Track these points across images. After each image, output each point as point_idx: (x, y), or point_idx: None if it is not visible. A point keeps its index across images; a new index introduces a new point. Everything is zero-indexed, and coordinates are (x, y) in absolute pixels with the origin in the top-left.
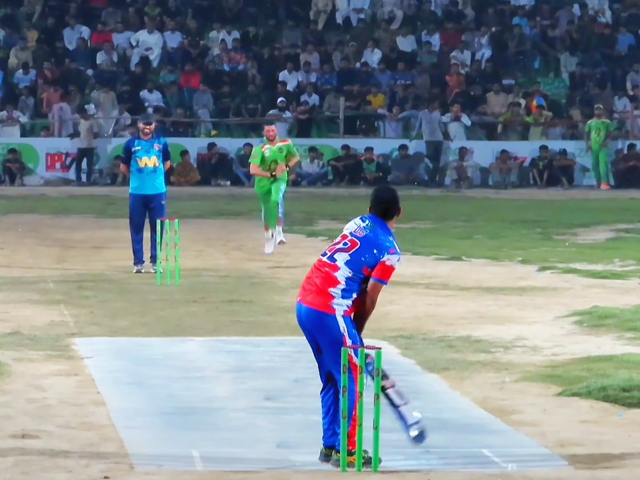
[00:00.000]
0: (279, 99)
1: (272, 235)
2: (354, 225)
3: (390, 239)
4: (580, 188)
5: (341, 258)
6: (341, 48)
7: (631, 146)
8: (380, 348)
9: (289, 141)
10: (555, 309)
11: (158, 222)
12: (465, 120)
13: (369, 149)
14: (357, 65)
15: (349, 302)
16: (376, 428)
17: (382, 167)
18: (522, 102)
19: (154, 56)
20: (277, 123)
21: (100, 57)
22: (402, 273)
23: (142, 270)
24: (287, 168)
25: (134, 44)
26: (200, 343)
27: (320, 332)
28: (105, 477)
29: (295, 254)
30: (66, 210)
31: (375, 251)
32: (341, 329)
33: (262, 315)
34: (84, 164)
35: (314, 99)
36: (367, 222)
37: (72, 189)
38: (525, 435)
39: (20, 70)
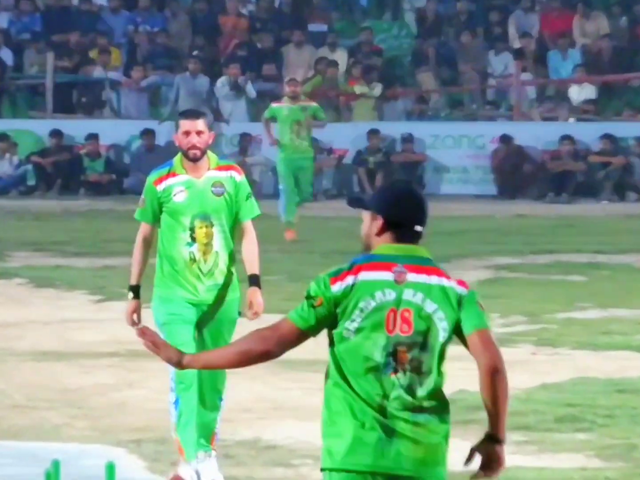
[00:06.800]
0: None
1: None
2: None
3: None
4: (437, 197)
5: None
6: None
7: (506, 139)
8: None
9: None
10: None
11: None
12: (250, 90)
13: (93, 137)
14: (75, 2)
15: None
16: None
17: (114, 165)
18: (342, 58)
19: None
20: None
21: None
22: None
23: None
24: None
25: None
26: None
27: None
28: None
29: None
30: None
31: None
32: None
33: None
34: None
35: (5, 55)
36: None
37: None
38: None
39: None
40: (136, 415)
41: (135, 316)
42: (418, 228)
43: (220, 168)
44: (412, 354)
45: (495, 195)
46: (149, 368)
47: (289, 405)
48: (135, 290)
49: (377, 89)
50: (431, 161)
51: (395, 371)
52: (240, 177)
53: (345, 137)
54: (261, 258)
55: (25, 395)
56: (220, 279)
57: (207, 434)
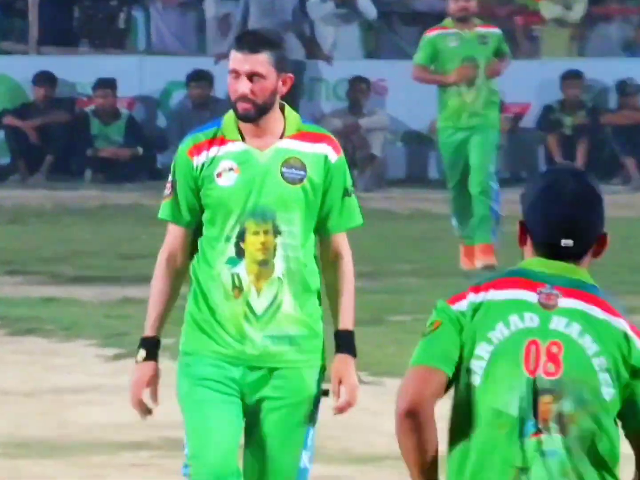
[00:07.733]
0: None
1: None
2: None
3: None
4: None
5: None
6: None
7: None
8: None
9: None
10: None
11: None
12: (367, 6)
13: (107, 84)
14: None
15: None
16: None
17: (140, 132)
18: None
19: None
20: None
21: None
22: None
23: None
24: None
25: None
26: None
27: None
28: None
29: None
30: None
31: None
32: None
33: None
34: None
35: None
36: None
37: None
38: None
39: None
40: None
41: (146, 393)
42: (566, 242)
43: (302, 136)
44: (559, 407)
45: None
46: None
47: None
48: (152, 345)
49: (578, 7)
50: None
51: (538, 432)
52: (336, 156)
53: (526, 84)
54: (392, 283)
55: None
56: (286, 327)
57: None
